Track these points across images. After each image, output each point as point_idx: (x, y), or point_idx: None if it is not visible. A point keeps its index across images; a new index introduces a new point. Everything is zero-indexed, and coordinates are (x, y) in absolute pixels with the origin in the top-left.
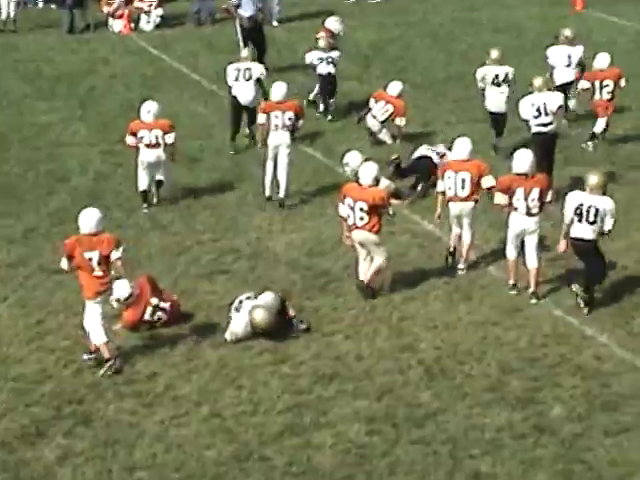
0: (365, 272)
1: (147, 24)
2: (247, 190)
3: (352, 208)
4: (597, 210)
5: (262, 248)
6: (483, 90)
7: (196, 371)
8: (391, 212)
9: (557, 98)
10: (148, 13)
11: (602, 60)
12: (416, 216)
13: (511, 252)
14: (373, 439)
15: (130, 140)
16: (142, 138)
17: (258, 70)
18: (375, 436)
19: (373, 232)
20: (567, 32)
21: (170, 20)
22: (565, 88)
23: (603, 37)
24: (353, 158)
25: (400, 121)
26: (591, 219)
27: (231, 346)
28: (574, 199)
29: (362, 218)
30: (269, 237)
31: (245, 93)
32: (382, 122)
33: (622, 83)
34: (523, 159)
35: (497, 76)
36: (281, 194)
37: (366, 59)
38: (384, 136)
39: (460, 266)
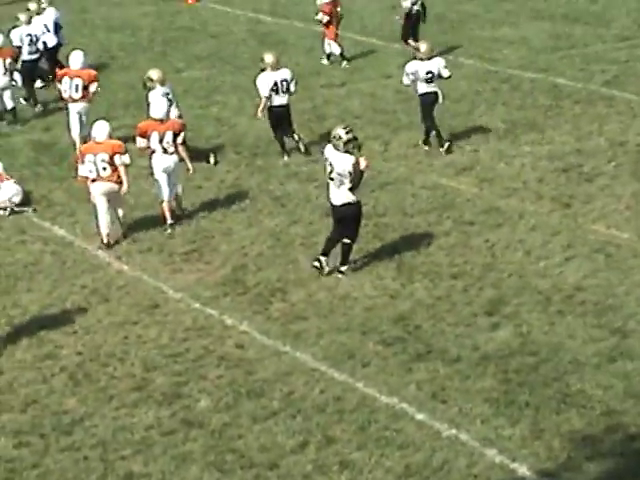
0: (108, 224)
1: None
2: None
3: (94, 162)
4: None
5: None
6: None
7: None
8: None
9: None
10: None
11: None
12: (47, 223)
13: (165, 193)
14: (21, 451)
15: None
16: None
17: None
18: (23, 448)
19: (116, 183)
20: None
21: None
22: None
23: (219, 27)
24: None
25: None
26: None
27: None
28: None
29: (105, 169)
30: None
31: None
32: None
33: None
34: (159, 106)
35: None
36: None
37: None
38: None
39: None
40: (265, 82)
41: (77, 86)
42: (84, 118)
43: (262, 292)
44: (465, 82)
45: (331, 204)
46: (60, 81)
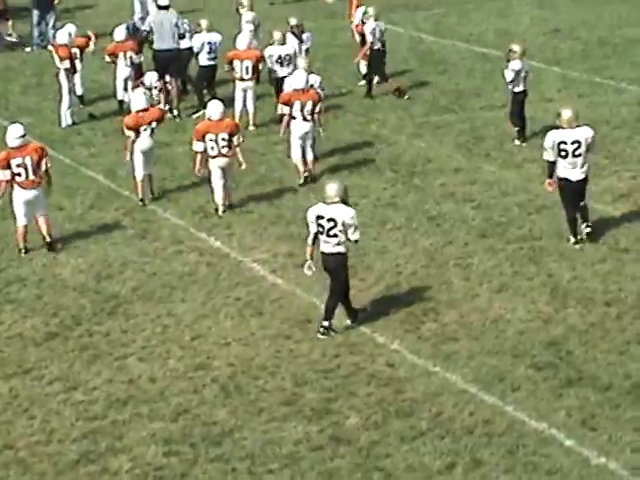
0: (223, 194)
1: None
2: None
3: (215, 141)
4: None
5: (49, 275)
6: None
7: None
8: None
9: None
10: None
11: None
12: (203, 234)
13: (296, 152)
14: (171, 460)
15: None
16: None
17: None
18: (173, 457)
19: (232, 157)
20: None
21: None
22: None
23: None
24: None
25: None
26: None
27: (22, 376)
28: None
29: (223, 147)
30: (55, 263)
31: None
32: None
33: None
34: (300, 79)
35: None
36: None
37: None
38: None
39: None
40: (200, 42)
41: (247, 68)
42: (250, 94)
43: (414, 312)
44: (626, 108)
45: (568, 180)
46: (231, 63)
